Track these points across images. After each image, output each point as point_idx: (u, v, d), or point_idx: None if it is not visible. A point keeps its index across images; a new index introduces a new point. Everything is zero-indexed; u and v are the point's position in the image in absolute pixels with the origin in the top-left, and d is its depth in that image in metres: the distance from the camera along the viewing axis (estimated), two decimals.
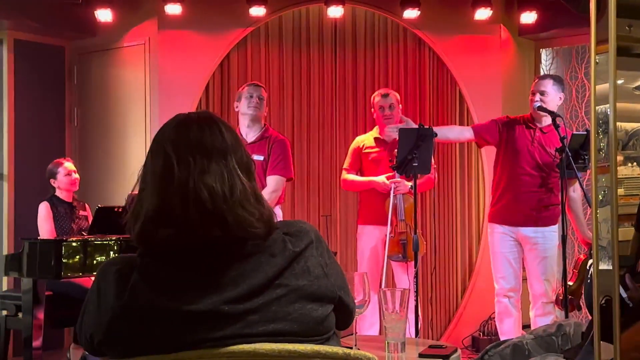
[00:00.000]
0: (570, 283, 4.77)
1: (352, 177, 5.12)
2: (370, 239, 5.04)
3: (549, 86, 4.80)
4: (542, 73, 6.43)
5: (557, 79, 4.90)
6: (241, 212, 1.52)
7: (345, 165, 5.19)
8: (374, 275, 4.84)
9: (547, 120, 4.84)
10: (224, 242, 1.52)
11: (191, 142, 1.56)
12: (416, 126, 4.62)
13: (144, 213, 1.54)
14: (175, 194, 1.51)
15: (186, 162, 1.53)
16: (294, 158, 5.35)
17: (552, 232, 4.80)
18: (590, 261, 4.67)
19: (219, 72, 5.93)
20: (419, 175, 4.76)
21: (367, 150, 5.09)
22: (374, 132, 5.15)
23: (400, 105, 5.11)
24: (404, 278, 4.88)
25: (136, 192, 1.60)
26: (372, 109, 5.15)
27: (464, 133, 5.15)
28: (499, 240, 4.92)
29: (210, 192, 1.51)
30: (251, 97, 4.82)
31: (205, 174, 1.52)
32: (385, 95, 5.06)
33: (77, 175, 5.39)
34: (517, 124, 4.91)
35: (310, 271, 1.56)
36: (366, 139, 5.16)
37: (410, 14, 5.89)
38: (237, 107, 4.90)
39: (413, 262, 4.57)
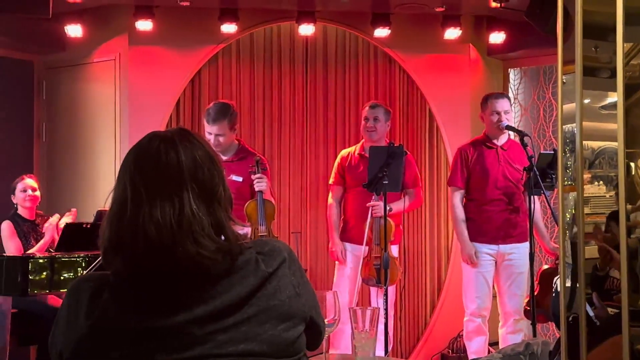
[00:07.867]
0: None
1: (331, 214, 5.14)
2: (349, 258, 5.04)
3: (508, 105, 4.91)
4: (510, 93, 6.50)
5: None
6: (191, 247, 1.47)
7: (331, 181, 5.21)
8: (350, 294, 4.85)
9: (503, 138, 4.93)
10: (176, 274, 1.49)
11: (146, 171, 1.51)
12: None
13: (104, 242, 1.53)
14: (126, 229, 1.49)
15: (139, 194, 1.49)
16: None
17: (526, 248, 4.82)
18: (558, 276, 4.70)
19: (189, 89, 5.91)
20: (407, 197, 4.86)
21: (350, 166, 5.08)
22: (358, 147, 5.14)
23: (387, 123, 5.07)
24: (380, 301, 4.83)
25: (107, 208, 1.59)
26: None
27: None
28: (477, 259, 4.89)
29: (157, 227, 1.47)
30: (209, 134, 4.52)
31: (155, 208, 1.47)
32: (373, 106, 5.03)
33: (35, 193, 5.24)
34: (478, 146, 4.96)
35: (282, 291, 1.54)
36: (350, 153, 5.15)
37: (381, 32, 5.93)
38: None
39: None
